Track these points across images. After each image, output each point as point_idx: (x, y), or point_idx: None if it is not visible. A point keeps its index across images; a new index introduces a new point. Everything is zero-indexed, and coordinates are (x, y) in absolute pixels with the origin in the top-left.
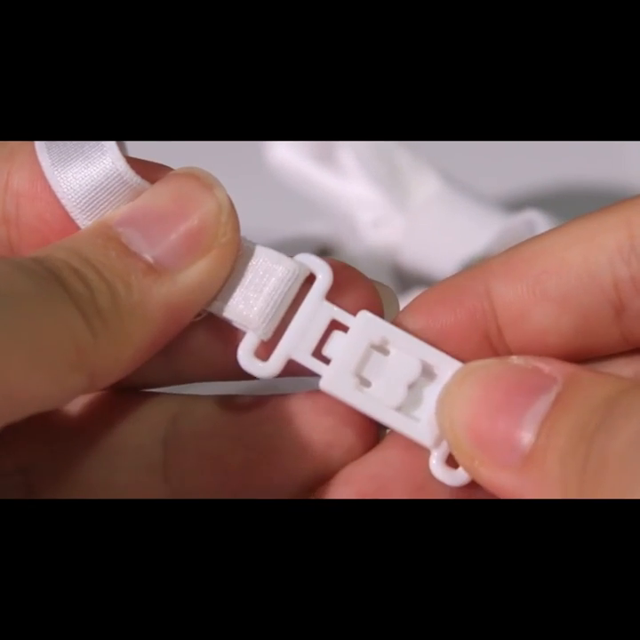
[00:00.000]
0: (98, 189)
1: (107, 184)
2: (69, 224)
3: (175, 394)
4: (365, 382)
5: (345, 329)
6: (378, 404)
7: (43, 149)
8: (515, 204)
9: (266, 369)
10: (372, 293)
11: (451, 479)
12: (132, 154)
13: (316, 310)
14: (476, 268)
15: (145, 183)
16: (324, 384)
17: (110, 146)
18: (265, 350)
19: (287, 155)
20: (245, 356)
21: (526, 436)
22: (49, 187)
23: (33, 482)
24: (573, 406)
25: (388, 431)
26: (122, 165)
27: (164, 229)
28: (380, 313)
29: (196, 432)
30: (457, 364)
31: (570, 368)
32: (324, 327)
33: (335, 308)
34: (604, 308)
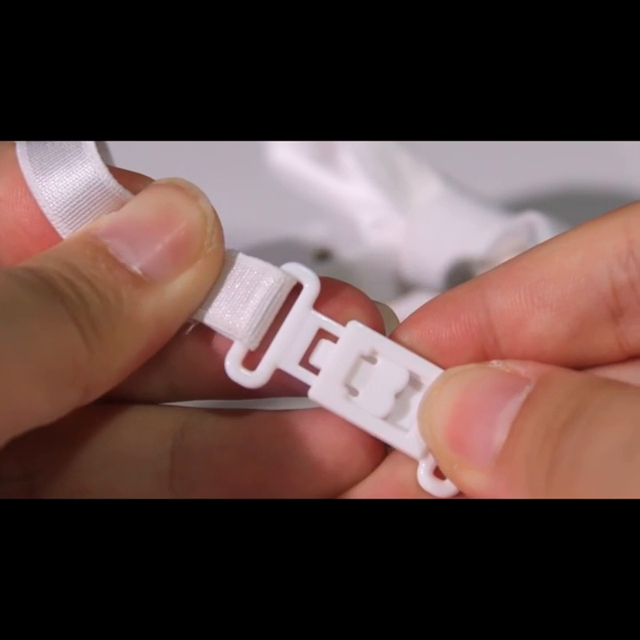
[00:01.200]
0: (80, 199)
1: (88, 193)
2: (48, 230)
3: (184, 406)
4: (354, 392)
5: (333, 338)
6: (366, 415)
7: (24, 156)
8: (515, 206)
9: (253, 378)
10: (366, 304)
11: (438, 490)
12: (132, 154)
13: (304, 319)
14: (474, 280)
15: (126, 192)
16: (313, 393)
17: (92, 153)
18: (253, 360)
19: (287, 156)
20: (233, 365)
21: (498, 437)
22: (29, 193)
23: (38, 487)
24: (540, 404)
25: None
26: (103, 174)
27: (150, 240)
28: (376, 324)
29: (205, 444)
30: None
31: (546, 368)
32: (311, 336)
33: (323, 318)
34: (602, 313)
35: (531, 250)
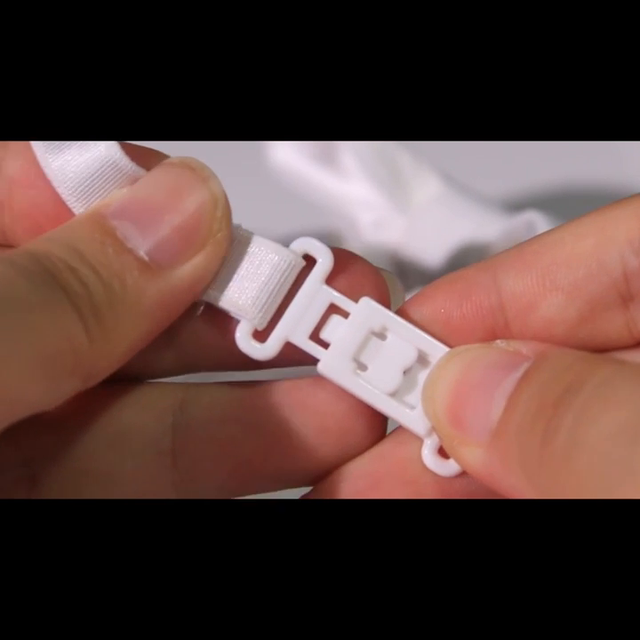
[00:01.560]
0: (93, 176)
1: (101, 171)
2: (63, 210)
3: (181, 382)
4: (363, 367)
5: (344, 314)
6: (373, 391)
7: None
8: (515, 205)
9: (263, 350)
10: (378, 281)
11: (442, 469)
12: None
13: (315, 294)
14: (486, 261)
15: (140, 170)
16: (322, 367)
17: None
18: (264, 334)
19: (288, 156)
20: (242, 337)
21: (495, 412)
22: (43, 174)
23: (38, 474)
24: (533, 379)
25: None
26: (116, 151)
27: (158, 223)
28: (385, 301)
29: (206, 418)
30: None
31: (545, 346)
32: (322, 311)
33: (334, 293)
34: (612, 298)
35: (542, 234)
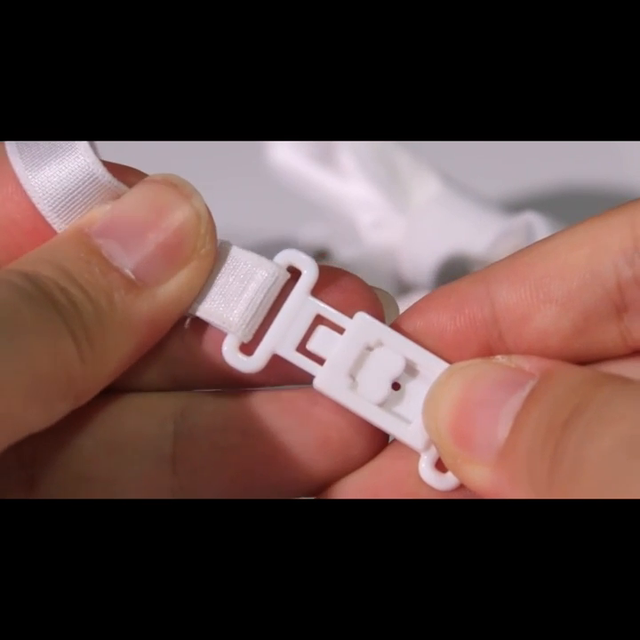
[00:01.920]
0: (73, 192)
1: (82, 187)
2: (40, 225)
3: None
4: (359, 383)
5: (331, 325)
6: (371, 406)
7: (15, 153)
8: (514, 206)
9: (250, 363)
10: (371, 297)
11: (440, 483)
12: (132, 154)
13: (301, 306)
14: (479, 272)
15: (121, 185)
16: (318, 383)
17: (84, 147)
18: (252, 347)
19: (287, 156)
20: (229, 351)
21: (501, 432)
22: (19, 189)
23: (37, 477)
24: (542, 400)
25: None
26: (97, 168)
27: (142, 241)
28: (379, 316)
29: (207, 425)
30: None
31: (549, 363)
32: (308, 322)
33: (321, 304)
34: (606, 308)
35: (535, 244)
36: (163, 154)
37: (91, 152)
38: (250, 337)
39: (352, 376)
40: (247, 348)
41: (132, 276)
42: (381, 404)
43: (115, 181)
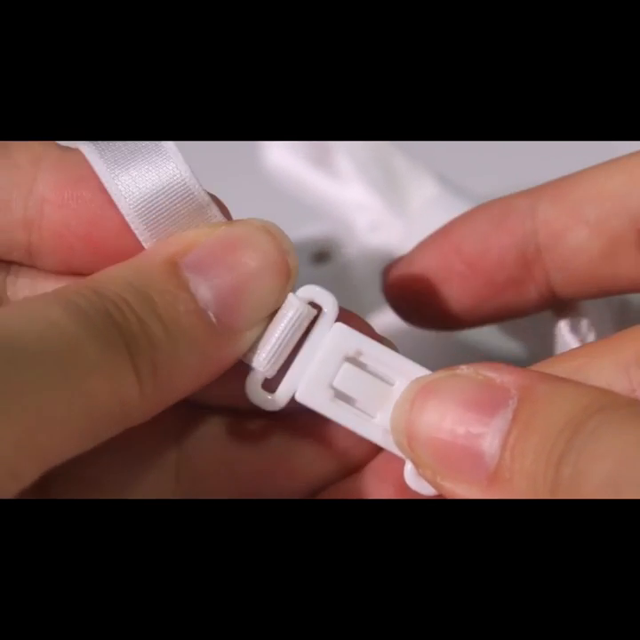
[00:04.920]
0: (159, 195)
1: (168, 190)
2: (94, 230)
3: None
4: (340, 394)
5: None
6: (353, 416)
7: (94, 153)
8: None
9: (273, 402)
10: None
11: (425, 489)
12: None
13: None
14: (524, 191)
15: (207, 196)
16: (300, 396)
17: (173, 151)
18: (273, 382)
19: (284, 158)
20: (253, 389)
21: (489, 453)
22: (76, 194)
23: (47, 483)
24: (536, 427)
25: None
26: (186, 172)
27: (235, 290)
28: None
29: (212, 435)
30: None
31: (520, 378)
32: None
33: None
34: (631, 235)
35: (581, 170)
36: None
37: (180, 156)
38: (273, 374)
39: (333, 387)
40: (268, 382)
41: (214, 321)
42: (365, 414)
43: (202, 190)
